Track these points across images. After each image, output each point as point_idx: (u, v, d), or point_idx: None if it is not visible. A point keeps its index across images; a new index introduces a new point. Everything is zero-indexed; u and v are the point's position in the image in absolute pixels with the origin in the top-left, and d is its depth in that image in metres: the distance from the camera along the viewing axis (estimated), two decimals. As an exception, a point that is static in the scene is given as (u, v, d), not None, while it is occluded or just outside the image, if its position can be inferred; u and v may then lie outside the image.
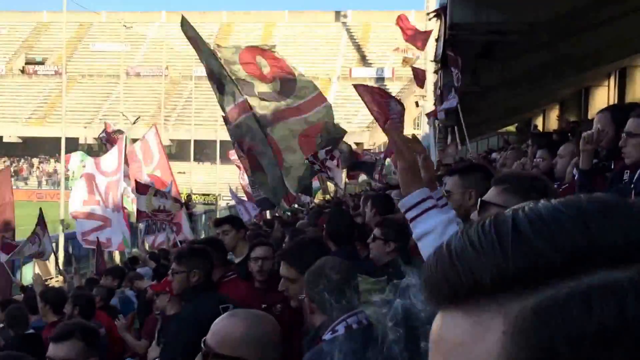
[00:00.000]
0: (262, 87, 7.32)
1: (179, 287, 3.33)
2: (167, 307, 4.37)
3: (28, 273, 14.97)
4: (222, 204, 31.26)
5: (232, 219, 4.85)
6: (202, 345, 1.67)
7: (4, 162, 52.79)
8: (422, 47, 16.61)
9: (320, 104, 7.50)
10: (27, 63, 61.09)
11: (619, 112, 3.15)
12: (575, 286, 0.40)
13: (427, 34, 15.08)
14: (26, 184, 49.71)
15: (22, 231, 11.85)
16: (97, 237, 11.13)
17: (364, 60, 60.68)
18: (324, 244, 3.26)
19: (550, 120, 17.31)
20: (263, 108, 7.29)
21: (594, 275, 0.40)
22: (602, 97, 13.04)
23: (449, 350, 0.43)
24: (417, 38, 15.37)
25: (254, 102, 7.29)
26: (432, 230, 1.79)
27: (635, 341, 0.38)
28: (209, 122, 48.49)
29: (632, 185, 2.63)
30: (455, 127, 10.31)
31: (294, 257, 2.72)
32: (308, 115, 7.32)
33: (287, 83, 7.40)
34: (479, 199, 2.01)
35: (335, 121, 7.97)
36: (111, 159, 11.99)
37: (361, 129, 47.14)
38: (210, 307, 3.17)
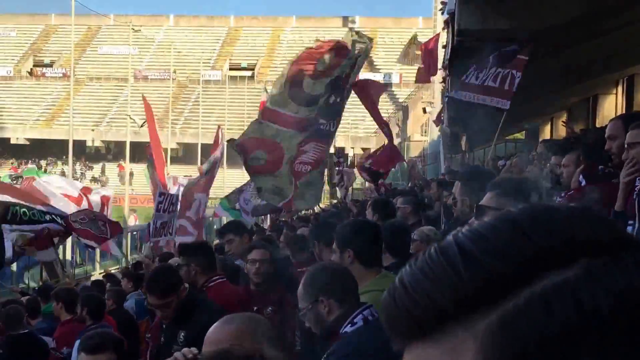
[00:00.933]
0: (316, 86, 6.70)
1: (186, 282, 3.38)
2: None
3: (35, 275, 15.00)
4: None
5: (234, 226, 4.76)
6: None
7: (12, 163, 53.06)
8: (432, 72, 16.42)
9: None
10: (35, 65, 61.42)
11: (631, 119, 3.15)
12: (531, 293, 0.42)
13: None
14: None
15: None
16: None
17: (371, 65, 60.74)
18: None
19: (557, 128, 17.26)
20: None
21: (545, 278, 0.42)
22: (610, 105, 12.99)
23: None
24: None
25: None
26: None
27: (597, 332, 0.40)
28: (215, 126, 48.57)
29: (635, 196, 2.61)
30: (463, 134, 10.28)
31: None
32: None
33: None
34: (475, 204, 2.06)
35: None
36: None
37: (368, 135, 47.14)
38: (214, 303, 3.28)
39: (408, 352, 0.45)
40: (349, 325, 2.16)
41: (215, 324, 1.71)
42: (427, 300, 0.43)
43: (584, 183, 3.58)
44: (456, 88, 6.95)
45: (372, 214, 4.52)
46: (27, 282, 14.78)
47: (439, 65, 15.45)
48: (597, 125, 11.13)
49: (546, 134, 18.82)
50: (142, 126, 46.43)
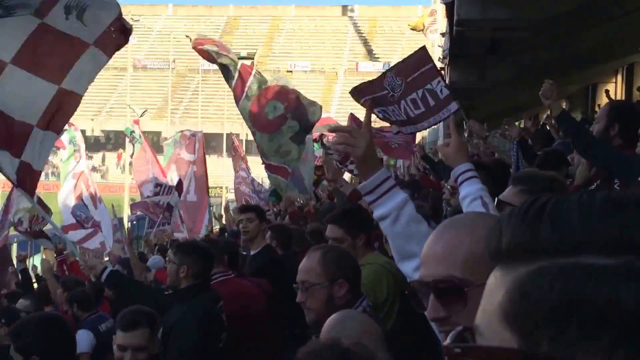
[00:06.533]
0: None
1: (169, 279, 3.32)
2: None
3: (36, 264, 15.00)
4: (229, 196, 31.32)
5: (258, 208, 4.74)
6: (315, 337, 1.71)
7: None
8: None
9: (249, 75, 7.29)
10: (34, 55, 61.23)
11: (617, 108, 3.21)
12: (560, 264, 0.49)
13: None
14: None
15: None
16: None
17: (370, 54, 60.57)
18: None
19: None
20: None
21: (583, 258, 0.49)
22: (609, 93, 12.99)
23: (484, 296, 0.55)
24: None
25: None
26: (388, 215, 1.72)
27: (584, 321, 0.46)
28: (215, 115, 48.60)
29: None
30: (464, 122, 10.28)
31: (342, 219, 2.99)
32: (245, 92, 7.17)
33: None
34: (496, 197, 2.02)
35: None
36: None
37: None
38: (203, 308, 3.16)
39: (492, 272, 0.55)
40: None
41: (334, 318, 1.68)
42: (497, 235, 0.54)
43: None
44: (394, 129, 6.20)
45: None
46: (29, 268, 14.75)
47: (439, 54, 15.40)
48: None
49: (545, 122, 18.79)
50: (142, 115, 46.35)
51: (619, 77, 12.74)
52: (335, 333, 1.62)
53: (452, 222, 1.15)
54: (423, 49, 5.46)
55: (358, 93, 5.39)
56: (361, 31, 62.41)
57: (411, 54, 5.50)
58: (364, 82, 5.45)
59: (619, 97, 12.16)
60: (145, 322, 2.52)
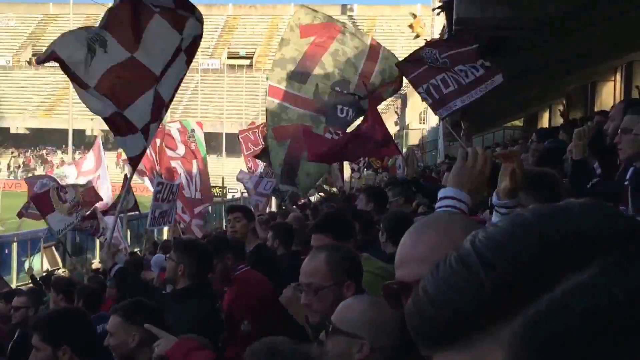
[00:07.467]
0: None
1: (167, 274, 3.39)
2: None
3: (36, 263, 15.04)
4: (228, 196, 31.31)
5: (245, 208, 4.90)
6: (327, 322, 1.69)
7: (12, 153, 53.03)
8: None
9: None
10: (34, 55, 61.21)
11: (633, 105, 3.23)
12: (551, 297, 0.43)
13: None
14: (33, 174, 49.99)
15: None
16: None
17: (370, 53, 60.54)
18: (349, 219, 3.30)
19: (556, 116, 17.28)
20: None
21: (564, 282, 0.43)
22: (609, 91, 13.02)
23: None
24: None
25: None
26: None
27: (618, 329, 0.41)
28: (214, 114, 48.59)
29: (627, 182, 2.65)
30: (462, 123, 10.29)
31: (326, 227, 2.86)
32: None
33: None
34: (490, 199, 2.00)
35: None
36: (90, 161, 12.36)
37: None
38: (200, 308, 3.16)
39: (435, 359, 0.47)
40: None
41: (349, 298, 1.70)
42: (452, 310, 0.45)
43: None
44: (439, 108, 5.99)
45: (367, 203, 4.58)
46: (26, 267, 14.80)
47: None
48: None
49: (544, 121, 18.85)
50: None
51: (618, 76, 12.75)
52: (337, 315, 1.63)
53: (427, 224, 1.21)
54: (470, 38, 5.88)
55: (404, 69, 5.92)
56: (361, 30, 62.38)
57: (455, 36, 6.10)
58: (407, 58, 5.96)
59: (618, 96, 12.17)
60: (120, 312, 2.56)
